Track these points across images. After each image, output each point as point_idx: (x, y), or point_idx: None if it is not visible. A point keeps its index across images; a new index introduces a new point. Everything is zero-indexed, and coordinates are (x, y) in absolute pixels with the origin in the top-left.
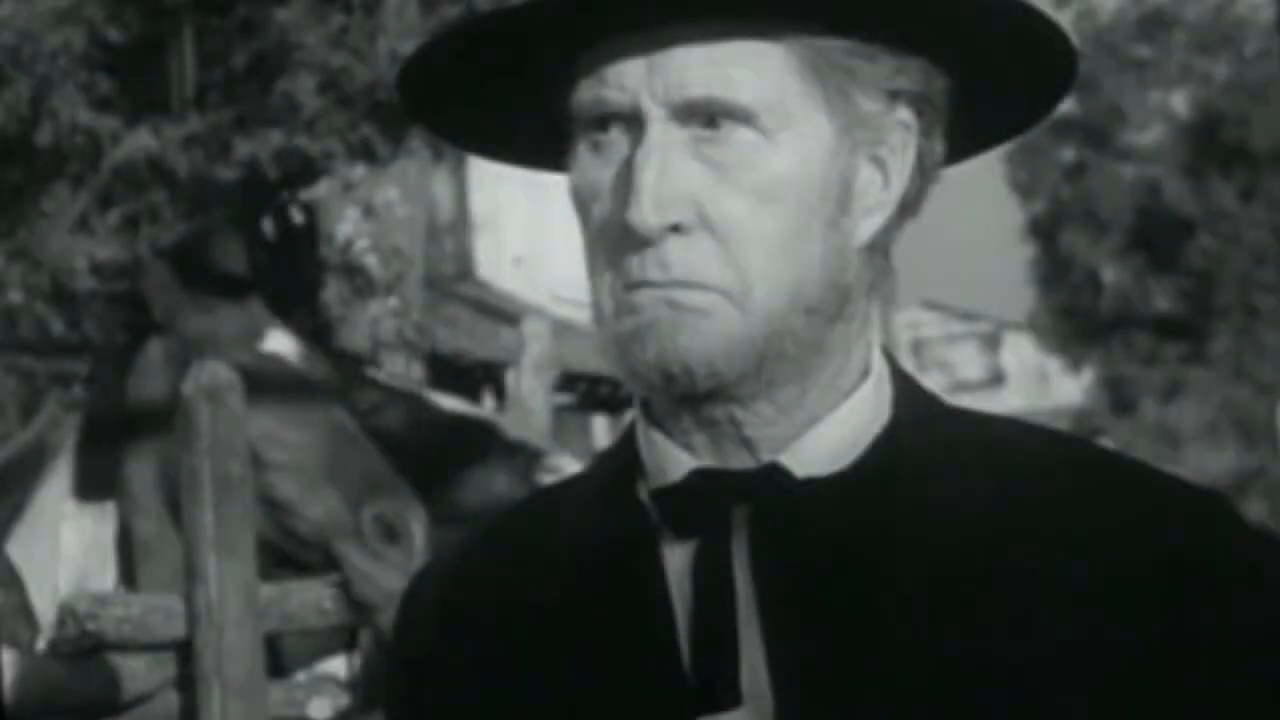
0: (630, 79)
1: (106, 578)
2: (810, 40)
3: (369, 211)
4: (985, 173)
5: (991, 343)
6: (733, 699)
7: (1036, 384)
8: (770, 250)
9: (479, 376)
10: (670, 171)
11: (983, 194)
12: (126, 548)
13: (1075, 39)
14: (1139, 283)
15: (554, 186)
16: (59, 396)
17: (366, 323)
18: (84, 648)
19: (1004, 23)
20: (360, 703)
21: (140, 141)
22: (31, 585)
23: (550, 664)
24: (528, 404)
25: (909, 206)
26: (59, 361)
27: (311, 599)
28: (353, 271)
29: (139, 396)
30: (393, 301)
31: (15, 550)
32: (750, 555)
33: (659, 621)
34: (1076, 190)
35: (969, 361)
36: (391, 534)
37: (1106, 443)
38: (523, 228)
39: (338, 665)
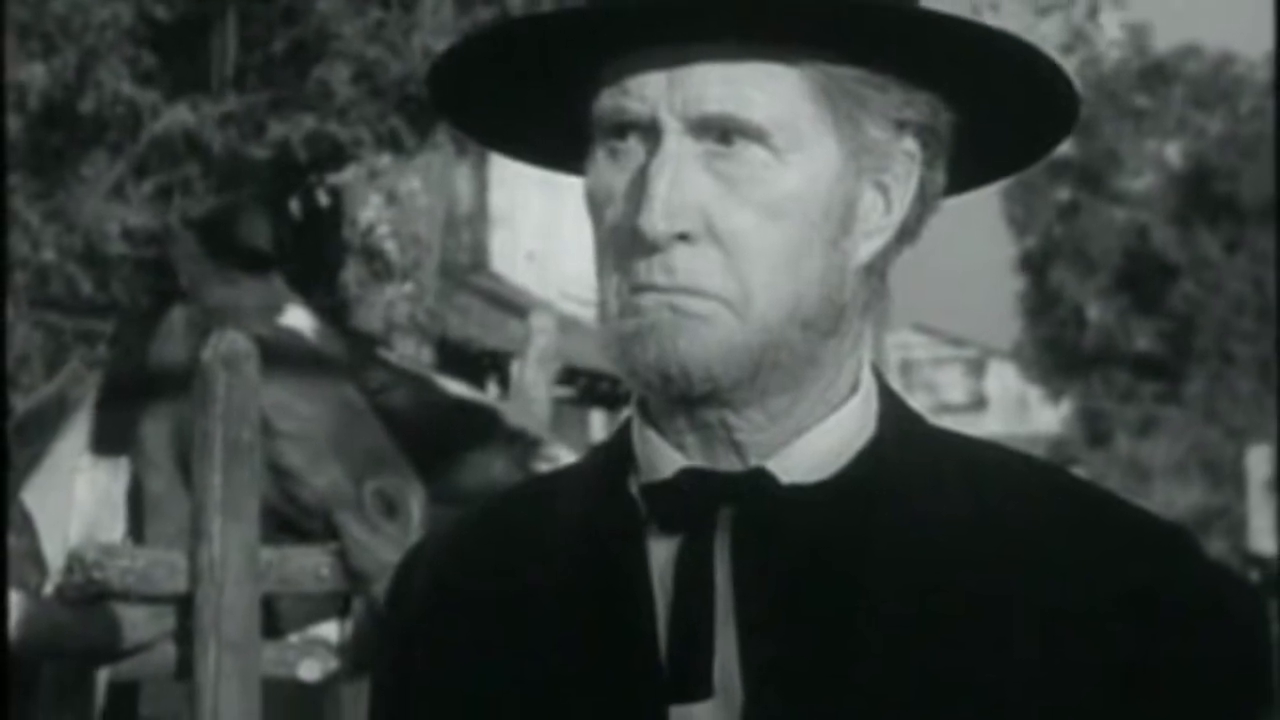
0: (650, 91)
1: (115, 530)
2: (825, 67)
3: (392, 199)
4: (982, 206)
5: (977, 368)
6: (704, 691)
7: (1017, 411)
8: (773, 264)
9: (485, 364)
10: (682, 182)
11: (978, 226)
12: (137, 503)
13: (1078, 84)
14: (1122, 322)
15: (568, 188)
16: (83, 354)
17: (382, 305)
18: (89, 595)
19: (1011, 64)
20: (349, 667)
21: (178, 116)
22: (43, 532)
23: (533, 644)
24: (530, 394)
25: (908, 232)
26: (86, 320)
27: (309, 564)
28: (372, 255)
29: (159, 360)
30: (408, 287)
31: (30, 498)
32: (732, 554)
33: (640, 611)
34: (1068, 229)
35: (954, 385)
36: (391, 508)
37: (1080, 472)
38: (537, 225)
39: (330, 630)
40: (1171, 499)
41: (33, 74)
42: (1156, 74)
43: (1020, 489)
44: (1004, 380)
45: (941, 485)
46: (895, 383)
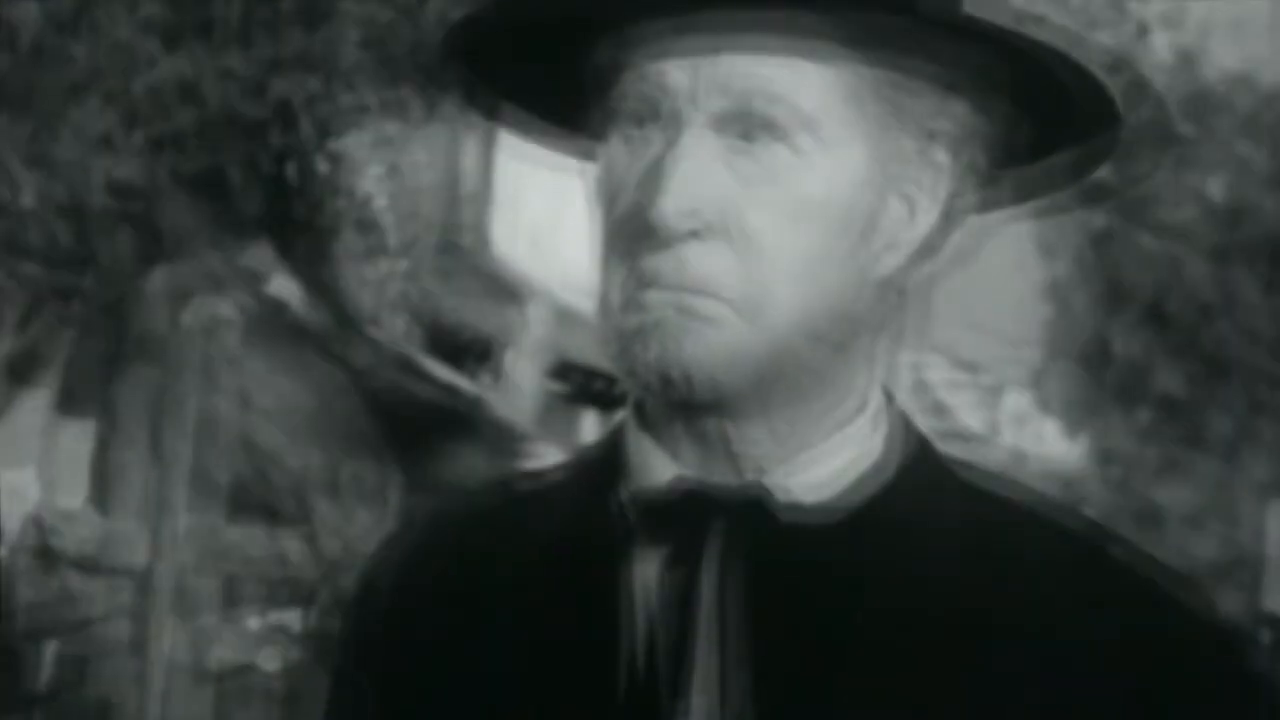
0: (673, 80)
1: (76, 495)
2: (858, 68)
3: (394, 171)
4: (1011, 227)
5: (992, 395)
6: (683, 708)
7: (1032, 442)
8: (789, 270)
9: (476, 350)
10: (700, 177)
11: (1005, 248)
12: (101, 468)
13: (1120, 103)
14: (1147, 358)
15: (577, 173)
16: (58, 309)
17: (375, 280)
18: (43, 562)
19: (1053, 78)
20: (310, 658)
21: (177, 66)
22: (2, 491)
23: (507, 649)
24: (520, 385)
25: (930, 248)
26: (62, 274)
27: (276, 547)
28: (368, 228)
29: (138, 322)
30: (403, 263)
31: None
32: (719, 570)
33: (621, 623)
34: (1099, 257)
35: (967, 410)
36: (367, 494)
37: (1089, 512)
38: (541, 211)
39: (292, 618)
40: (1187, 546)
41: (27, 13)
42: (1204, 103)
43: (1025, 533)
44: (1020, 409)
45: (943, 515)
46: (907, 404)
